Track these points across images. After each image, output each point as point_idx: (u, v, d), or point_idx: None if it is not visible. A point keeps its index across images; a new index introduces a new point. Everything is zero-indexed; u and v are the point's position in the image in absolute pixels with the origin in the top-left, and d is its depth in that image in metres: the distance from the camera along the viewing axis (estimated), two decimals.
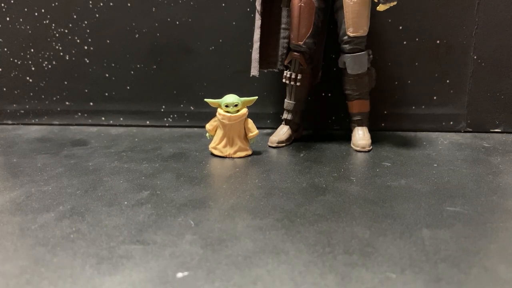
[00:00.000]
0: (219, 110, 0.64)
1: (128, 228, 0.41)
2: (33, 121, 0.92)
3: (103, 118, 0.90)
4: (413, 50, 0.79)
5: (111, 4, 0.84)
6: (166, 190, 0.51)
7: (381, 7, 0.62)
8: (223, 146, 0.65)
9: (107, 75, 0.87)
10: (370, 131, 0.72)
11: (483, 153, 0.67)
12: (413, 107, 0.82)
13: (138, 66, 0.86)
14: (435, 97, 0.81)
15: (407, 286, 0.32)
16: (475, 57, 0.78)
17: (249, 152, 0.66)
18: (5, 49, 0.88)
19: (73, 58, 0.87)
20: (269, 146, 0.71)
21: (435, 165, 0.61)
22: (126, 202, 0.48)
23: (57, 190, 0.52)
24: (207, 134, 0.68)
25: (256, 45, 0.69)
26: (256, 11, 0.69)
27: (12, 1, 0.86)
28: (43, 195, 0.50)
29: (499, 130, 0.81)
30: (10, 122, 0.92)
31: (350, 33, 0.65)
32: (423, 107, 0.81)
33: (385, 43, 0.79)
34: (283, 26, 0.71)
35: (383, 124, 0.82)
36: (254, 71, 0.70)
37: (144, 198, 0.49)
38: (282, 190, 0.51)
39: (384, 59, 0.80)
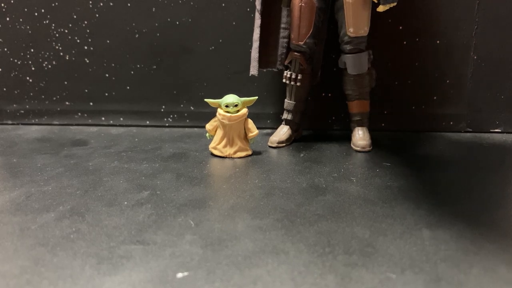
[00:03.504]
0: (219, 110, 0.64)
1: (128, 228, 0.41)
2: (33, 121, 0.92)
3: (103, 118, 0.90)
4: (413, 50, 0.79)
5: (111, 4, 0.84)
6: (166, 190, 0.51)
7: (380, 8, 0.62)
8: (223, 146, 0.65)
9: (107, 75, 0.87)
10: (370, 131, 0.72)
11: (483, 153, 0.67)
12: (413, 107, 0.82)
13: (138, 66, 0.86)
14: (435, 97, 0.81)
15: (407, 286, 0.32)
16: (475, 57, 0.78)
17: (249, 152, 0.66)
18: (5, 49, 0.88)
19: (73, 58, 0.87)
20: (269, 146, 0.71)
21: (435, 165, 0.61)
22: (126, 202, 0.48)
23: (57, 190, 0.52)
24: (207, 134, 0.68)
25: (255, 44, 0.69)
26: (256, 10, 0.69)
27: (12, 1, 0.86)
28: (43, 195, 0.50)
29: (499, 130, 0.81)
30: (10, 122, 0.92)
31: (351, 33, 0.65)
32: (423, 107, 0.81)
33: (385, 43, 0.79)
34: (283, 25, 0.71)
35: (383, 124, 0.82)
36: (253, 70, 0.70)
37: (144, 198, 0.49)
38: (282, 190, 0.51)
39: (384, 59, 0.80)
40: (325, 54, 0.77)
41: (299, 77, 0.70)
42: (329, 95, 0.83)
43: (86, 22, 0.85)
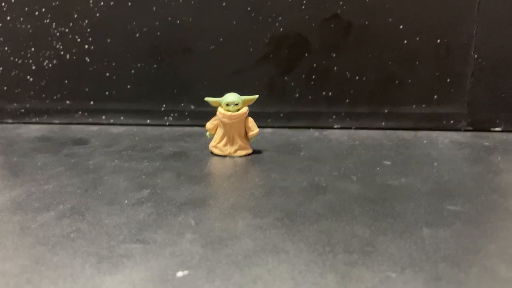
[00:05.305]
0: (219, 109, 0.64)
1: (129, 227, 0.41)
2: (33, 120, 0.91)
3: (103, 117, 0.90)
4: (413, 50, 0.79)
5: (111, 3, 0.84)
6: (167, 189, 0.51)
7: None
8: (224, 145, 0.65)
9: (107, 74, 0.87)
10: (370, 130, 0.72)
11: (484, 152, 0.67)
12: (414, 106, 0.81)
13: (139, 65, 0.86)
14: (435, 96, 0.81)
15: (407, 285, 0.32)
16: (475, 56, 0.78)
17: (250, 151, 0.66)
18: (6, 48, 0.88)
19: (74, 57, 0.87)
20: None
21: (435, 164, 0.61)
22: (126, 201, 0.48)
23: (58, 189, 0.52)
24: (208, 133, 0.68)
25: None
26: None
27: (12, 0, 0.86)
28: (43, 194, 0.50)
29: (500, 129, 0.81)
30: (10, 121, 0.92)
31: None
32: (423, 106, 0.81)
33: (385, 43, 0.79)
34: None
35: (383, 123, 0.82)
36: None
37: (144, 197, 0.49)
38: (282, 189, 0.51)
39: (384, 58, 0.80)
40: (325, 53, 0.77)
41: None
42: (329, 94, 0.83)
43: (86, 21, 0.85)
